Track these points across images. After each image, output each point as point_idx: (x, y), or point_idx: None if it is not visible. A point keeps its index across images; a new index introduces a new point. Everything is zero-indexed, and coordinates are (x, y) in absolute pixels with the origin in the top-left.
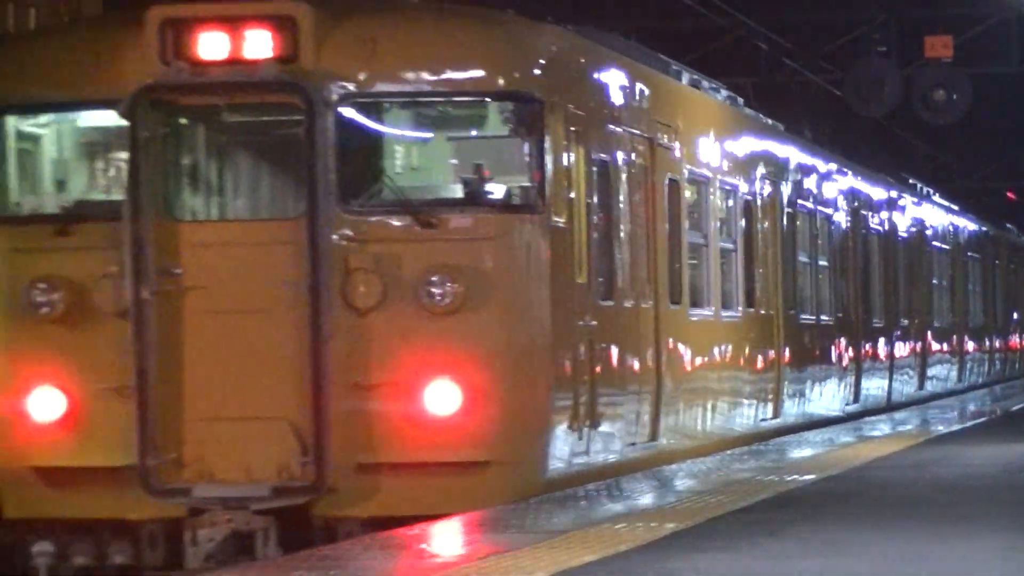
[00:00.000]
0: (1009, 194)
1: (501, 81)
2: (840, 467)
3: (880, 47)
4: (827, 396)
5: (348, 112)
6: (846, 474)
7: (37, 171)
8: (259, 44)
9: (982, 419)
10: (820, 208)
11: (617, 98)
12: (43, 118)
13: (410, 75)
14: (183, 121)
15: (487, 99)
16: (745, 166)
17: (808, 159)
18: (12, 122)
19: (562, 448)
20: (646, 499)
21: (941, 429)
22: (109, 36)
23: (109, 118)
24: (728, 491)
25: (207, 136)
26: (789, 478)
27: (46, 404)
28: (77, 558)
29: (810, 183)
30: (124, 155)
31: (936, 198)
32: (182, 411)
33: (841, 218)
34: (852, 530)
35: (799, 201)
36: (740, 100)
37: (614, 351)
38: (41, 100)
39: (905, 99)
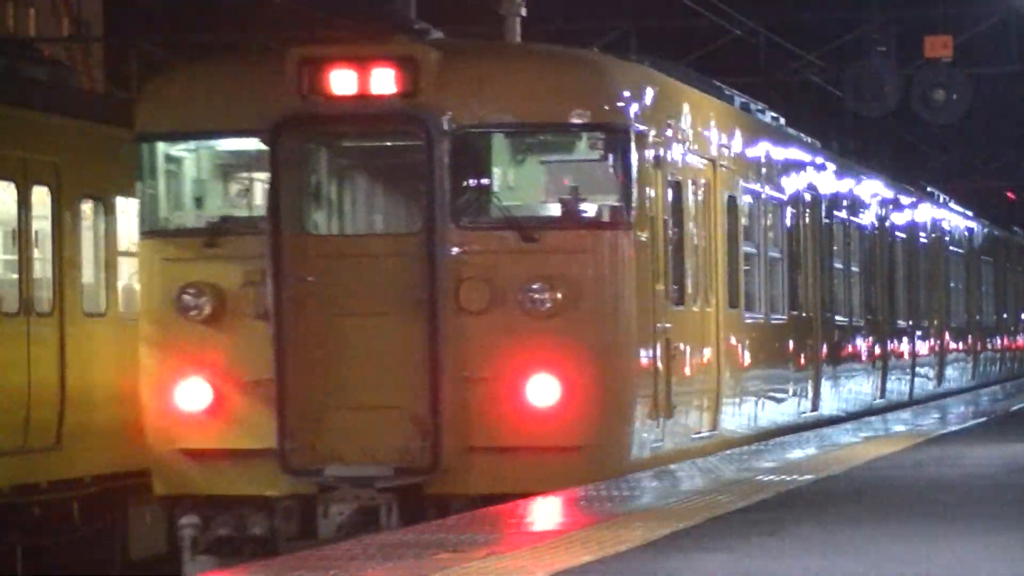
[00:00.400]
0: (1009, 194)
1: (593, 113)
2: (841, 467)
3: (880, 47)
4: (858, 391)
5: (460, 141)
6: (847, 474)
7: (181, 190)
8: (384, 81)
9: (983, 418)
10: (852, 218)
11: (686, 124)
12: (187, 144)
13: (513, 109)
14: (316, 147)
15: (581, 130)
16: (788, 181)
17: (841, 173)
18: (162, 148)
19: (643, 435)
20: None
21: (941, 429)
22: (251, 72)
23: (248, 144)
24: (728, 491)
25: (337, 161)
26: (789, 478)
27: (194, 395)
28: (219, 530)
29: (843, 195)
30: (261, 176)
31: (952, 205)
32: (314, 401)
33: (870, 227)
34: (853, 530)
35: (834, 212)
36: (782, 120)
37: (684, 350)
38: (190, 129)
39: (905, 99)
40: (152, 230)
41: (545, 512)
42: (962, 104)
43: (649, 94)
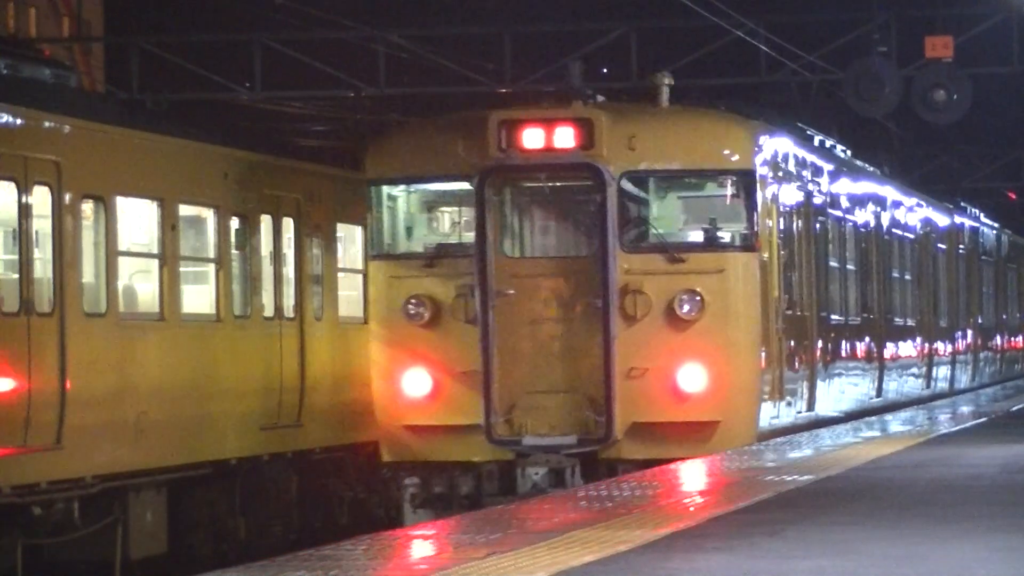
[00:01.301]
0: (1010, 194)
1: (727, 161)
2: (840, 467)
3: (880, 47)
4: (909, 383)
5: (625, 184)
6: (846, 474)
7: (399, 223)
8: (566, 138)
9: (983, 419)
10: (905, 234)
11: (789, 167)
12: (406, 186)
13: (665, 158)
14: (512, 190)
15: (719, 175)
16: (858, 206)
17: (896, 196)
18: (385, 190)
19: (765, 413)
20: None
21: (943, 429)
22: (458, 131)
23: (457, 186)
24: (728, 491)
25: (528, 199)
26: (789, 478)
27: (417, 383)
28: (435, 488)
29: (899, 214)
30: (468, 212)
31: (982, 218)
32: (513, 387)
33: (918, 241)
34: (852, 530)
35: (892, 230)
36: (848, 152)
37: (792, 346)
38: (410, 175)
39: (905, 99)
40: (379, 254)
41: (546, 512)
42: (963, 104)
43: (765, 145)
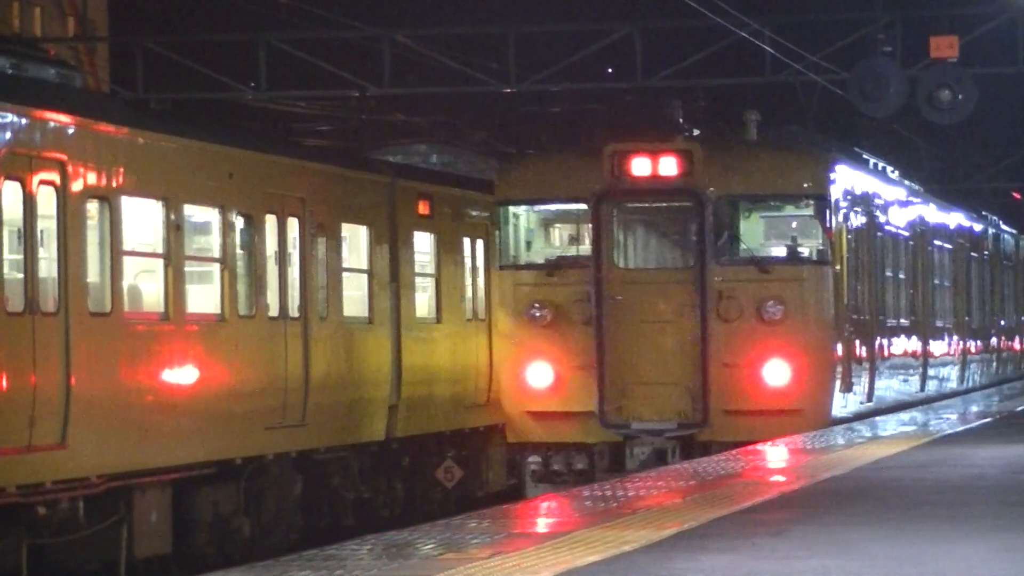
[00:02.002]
0: (1015, 194)
1: (806, 187)
2: (844, 467)
3: (885, 47)
4: (947, 378)
5: (718, 206)
6: (850, 474)
7: (522, 238)
8: (669, 166)
9: (986, 419)
10: (943, 244)
11: (855, 189)
12: (529, 207)
13: (753, 184)
14: (623, 209)
15: (800, 199)
16: (907, 221)
17: (935, 210)
18: (511, 210)
19: (836, 402)
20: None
21: (945, 429)
22: (576, 161)
23: (573, 207)
24: (731, 490)
25: (636, 218)
26: (793, 478)
27: (540, 375)
28: (554, 465)
29: (937, 227)
30: (583, 229)
31: (1003, 226)
32: (622, 379)
33: (953, 250)
34: (856, 530)
35: (934, 241)
36: (896, 172)
37: (857, 345)
38: (533, 197)
39: (910, 99)
40: (505, 264)
41: (550, 512)
42: (968, 104)
43: (835, 172)
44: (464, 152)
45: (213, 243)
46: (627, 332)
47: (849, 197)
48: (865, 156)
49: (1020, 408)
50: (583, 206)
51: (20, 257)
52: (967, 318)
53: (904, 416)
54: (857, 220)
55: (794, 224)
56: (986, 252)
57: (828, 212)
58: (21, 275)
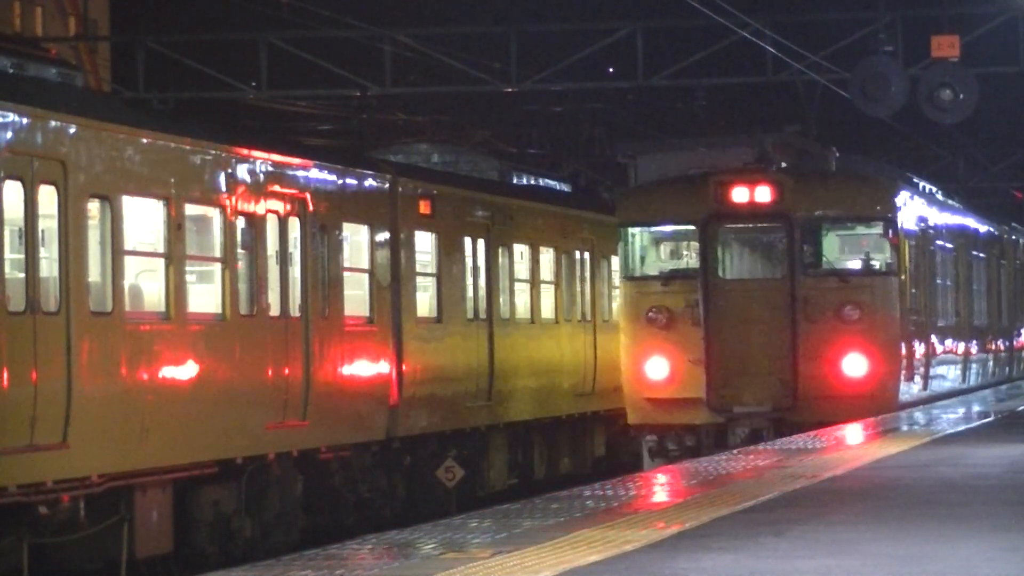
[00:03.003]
0: (1017, 193)
1: (876, 209)
2: (846, 467)
3: (886, 47)
4: (982, 371)
5: (804, 227)
6: (852, 474)
7: (640, 254)
8: (764, 194)
9: (988, 419)
10: (979, 253)
11: (914, 210)
12: (645, 228)
13: (833, 208)
14: (725, 231)
15: (872, 220)
16: (953, 234)
17: (973, 223)
18: (631, 230)
19: (902, 389)
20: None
21: (948, 429)
22: (685, 190)
23: (683, 228)
24: (734, 490)
25: (736, 237)
26: (795, 478)
27: (657, 368)
28: (668, 444)
29: (974, 237)
30: (692, 246)
31: None
32: (726, 370)
33: (987, 258)
34: (858, 530)
35: (973, 251)
36: (940, 192)
37: (915, 342)
38: (649, 220)
39: (912, 99)
40: (629, 276)
41: (551, 511)
42: (969, 104)
43: (899, 196)
44: (466, 151)
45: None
46: (729, 332)
47: (908, 217)
48: (916, 180)
49: (1021, 408)
50: (691, 227)
51: (21, 256)
52: (998, 319)
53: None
54: (914, 236)
55: (866, 241)
56: (1017, 260)
57: (893, 231)
58: (22, 275)
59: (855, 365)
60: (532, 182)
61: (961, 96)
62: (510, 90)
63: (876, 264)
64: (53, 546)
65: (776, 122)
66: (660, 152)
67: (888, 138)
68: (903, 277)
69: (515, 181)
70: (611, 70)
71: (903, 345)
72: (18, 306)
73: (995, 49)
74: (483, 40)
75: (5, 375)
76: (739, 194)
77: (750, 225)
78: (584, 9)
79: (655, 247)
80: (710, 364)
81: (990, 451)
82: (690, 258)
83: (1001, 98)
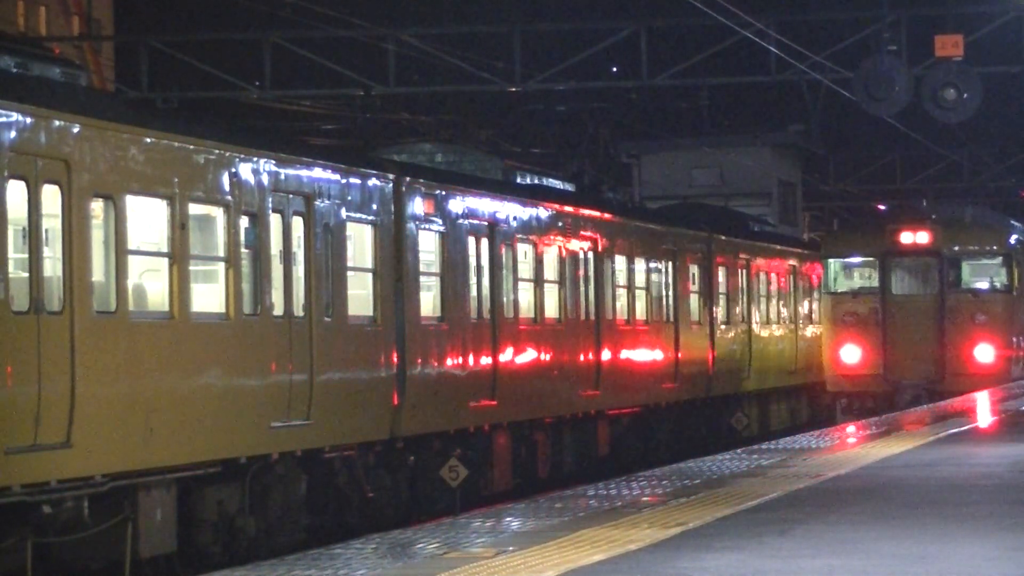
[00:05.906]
0: (1021, 192)
1: (995, 248)
2: (850, 466)
3: (890, 46)
4: None
5: (950, 261)
6: (856, 473)
7: (837, 276)
8: (923, 237)
9: (990, 419)
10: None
11: (1019, 243)
12: (842, 259)
13: (968, 246)
14: (896, 263)
15: (993, 254)
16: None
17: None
18: (831, 262)
19: (1013, 370)
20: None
21: (950, 429)
22: (869, 235)
23: (867, 261)
24: (737, 489)
25: (904, 268)
26: (799, 477)
27: (850, 353)
28: (854, 405)
29: (1015, 248)
30: (873, 272)
31: None
32: (896, 355)
33: None
34: (862, 529)
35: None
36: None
37: (1018, 338)
38: (844, 255)
39: (915, 98)
40: (829, 292)
41: (557, 511)
42: (973, 103)
43: (1012, 237)
44: (470, 151)
45: (218, 242)
46: (899, 330)
47: (1019, 251)
48: (1013, 222)
49: None
50: (873, 259)
51: (25, 256)
52: None
53: None
54: (1020, 264)
55: (990, 269)
56: None
57: (1010, 261)
58: (26, 274)
59: (983, 352)
60: (535, 181)
61: (965, 95)
62: (514, 90)
63: (997, 284)
64: (57, 546)
65: (779, 121)
66: (664, 151)
67: (892, 137)
68: (1014, 293)
69: (519, 181)
70: (615, 70)
71: (1015, 339)
72: (22, 306)
73: (999, 48)
74: (487, 40)
75: (9, 375)
76: (906, 237)
77: (913, 258)
78: (588, 9)
79: (845, 272)
80: (886, 351)
81: (993, 450)
82: (872, 279)
83: (1005, 97)
